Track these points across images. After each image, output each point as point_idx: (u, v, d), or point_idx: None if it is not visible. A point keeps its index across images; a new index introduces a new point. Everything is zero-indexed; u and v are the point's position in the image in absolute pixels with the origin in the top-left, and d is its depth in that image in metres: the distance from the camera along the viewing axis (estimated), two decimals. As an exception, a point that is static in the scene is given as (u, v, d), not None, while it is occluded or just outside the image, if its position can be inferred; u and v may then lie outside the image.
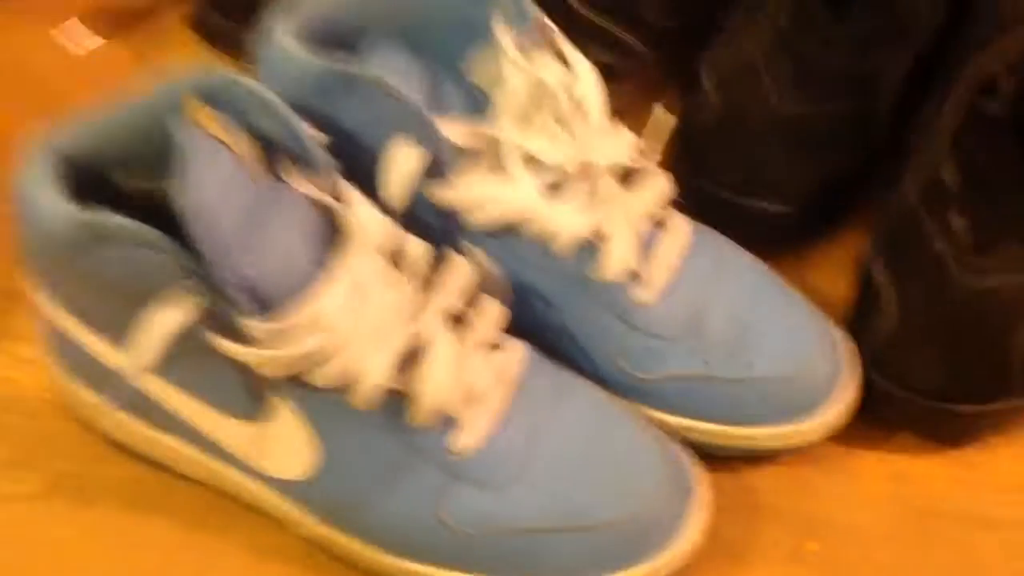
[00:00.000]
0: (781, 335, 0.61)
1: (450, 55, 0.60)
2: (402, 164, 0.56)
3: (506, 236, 0.59)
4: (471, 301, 0.57)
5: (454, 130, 0.57)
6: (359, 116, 0.57)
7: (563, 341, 0.61)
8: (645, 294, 0.60)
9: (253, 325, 0.51)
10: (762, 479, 0.62)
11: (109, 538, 0.59)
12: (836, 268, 0.70)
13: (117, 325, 0.55)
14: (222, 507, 0.60)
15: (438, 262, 0.57)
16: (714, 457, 0.61)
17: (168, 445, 0.59)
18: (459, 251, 0.58)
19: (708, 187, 0.69)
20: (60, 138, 0.55)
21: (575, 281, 0.60)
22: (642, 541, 0.56)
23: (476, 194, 0.58)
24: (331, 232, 0.54)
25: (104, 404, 0.56)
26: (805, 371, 0.61)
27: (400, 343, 0.53)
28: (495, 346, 0.57)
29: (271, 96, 0.52)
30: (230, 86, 0.52)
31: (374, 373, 0.53)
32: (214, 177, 0.49)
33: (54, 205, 0.53)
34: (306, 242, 0.52)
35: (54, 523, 0.59)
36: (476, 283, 0.57)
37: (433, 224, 0.59)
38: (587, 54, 0.62)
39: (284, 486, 0.57)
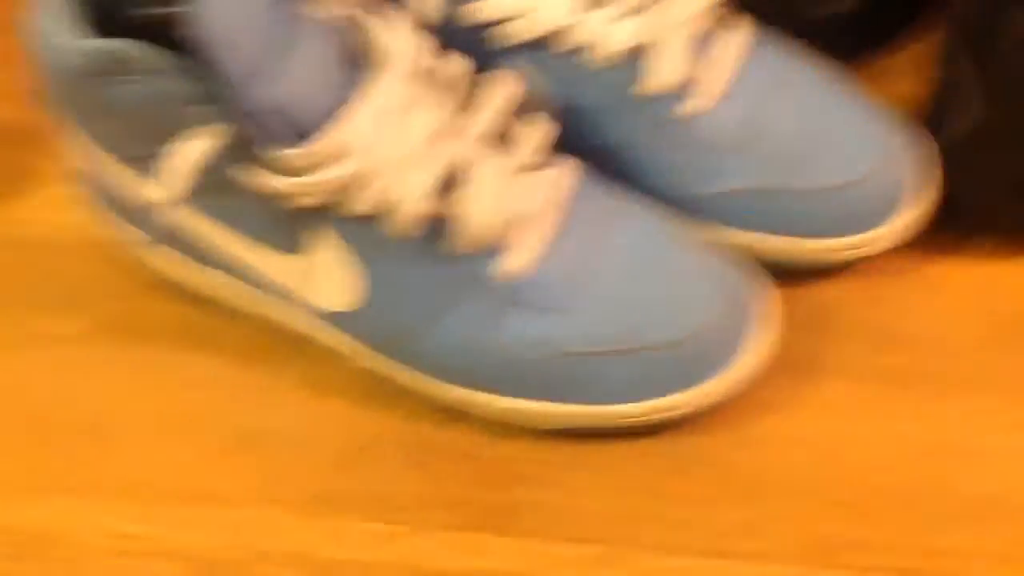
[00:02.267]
0: (849, 140, 0.57)
1: None
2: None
3: (544, 51, 0.56)
4: (515, 119, 0.54)
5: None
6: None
7: (612, 161, 0.58)
8: (699, 103, 0.57)
9: (284, 153, 0.49)
10: (835, 293, 0.59)
11: (160, 376, 0.58)
12: (912, 69, 0.65)
13: (145, 157, 0.53)
14: (274, 343, 0.58)
15: (479, 80, 0.53)
16: (782, 273, 0.58)
17: (214, 280, 0.58)
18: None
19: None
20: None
21: (621, 95, 0.56)
22: (702, 361, 0.53)
23: (510, 6, 0.55)
24: (362, 54, 0.51)
25: (145, 240, 0.54)
26: (876, 176, 0.57)
27: (439, 165, 0.51)
28: (543, 165, 0.54)
29: None
30: None
31: (412, 198, 0.51)
32: (232, 1, 0.47)
33: (70, 37, 0.51)
34: (336, 65, 0.50)
35: (103, 363, 0.58)
36: (520, 100, 0.54)
37: (465, 45, 0.56)
38: None
39: (334, 318, 0.55)
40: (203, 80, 0.49)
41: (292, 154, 0.49)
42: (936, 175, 0.58)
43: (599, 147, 0.58)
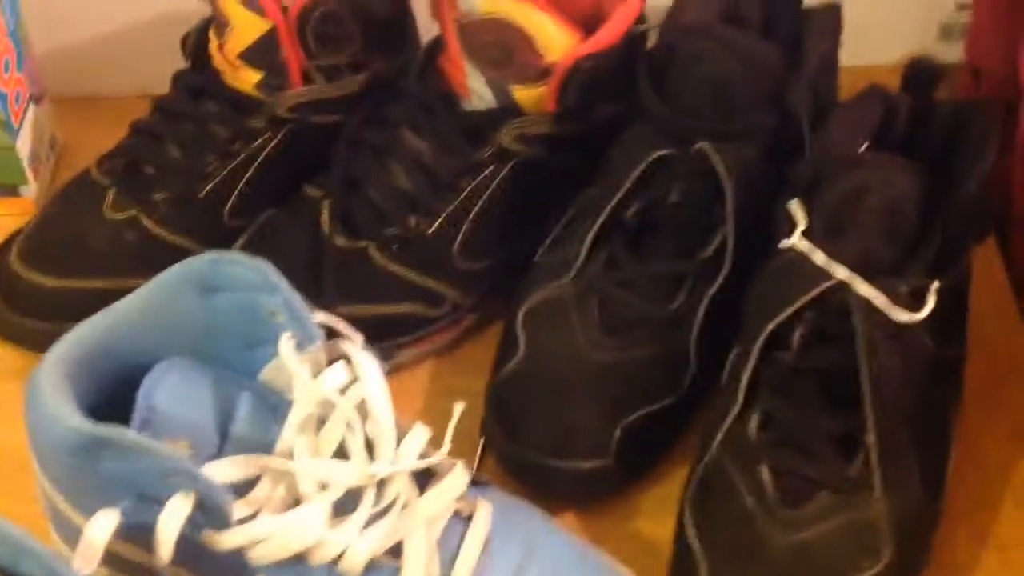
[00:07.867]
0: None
1: (243, 367, 0.60)
2: (172, 518, 0.55)
3: (295, 566, 0.58)
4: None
5: (225, 469, 0.56)
6: (127, 474, 0.55)
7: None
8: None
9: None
10: None
11: None
12: (659, 508, 0.69)
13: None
14: None
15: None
16: None
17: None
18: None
19: (524, 453, 0.68)
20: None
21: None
22: None
23: (256, 531, 0.57)
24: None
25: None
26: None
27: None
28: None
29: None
30: None
31: None
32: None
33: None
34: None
35: None
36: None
37: (218, 567, 0.58)
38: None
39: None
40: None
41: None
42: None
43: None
